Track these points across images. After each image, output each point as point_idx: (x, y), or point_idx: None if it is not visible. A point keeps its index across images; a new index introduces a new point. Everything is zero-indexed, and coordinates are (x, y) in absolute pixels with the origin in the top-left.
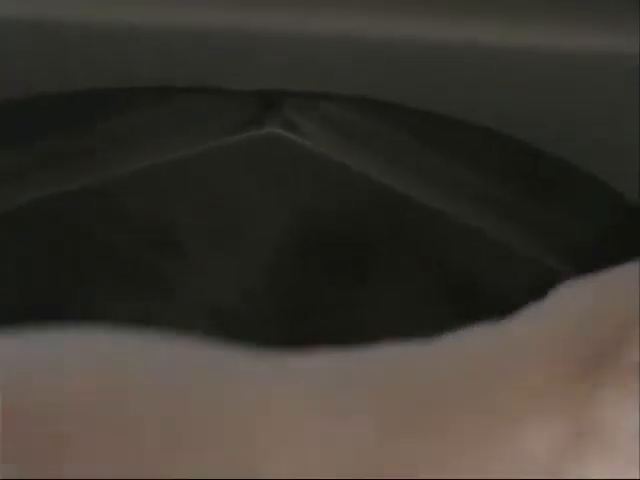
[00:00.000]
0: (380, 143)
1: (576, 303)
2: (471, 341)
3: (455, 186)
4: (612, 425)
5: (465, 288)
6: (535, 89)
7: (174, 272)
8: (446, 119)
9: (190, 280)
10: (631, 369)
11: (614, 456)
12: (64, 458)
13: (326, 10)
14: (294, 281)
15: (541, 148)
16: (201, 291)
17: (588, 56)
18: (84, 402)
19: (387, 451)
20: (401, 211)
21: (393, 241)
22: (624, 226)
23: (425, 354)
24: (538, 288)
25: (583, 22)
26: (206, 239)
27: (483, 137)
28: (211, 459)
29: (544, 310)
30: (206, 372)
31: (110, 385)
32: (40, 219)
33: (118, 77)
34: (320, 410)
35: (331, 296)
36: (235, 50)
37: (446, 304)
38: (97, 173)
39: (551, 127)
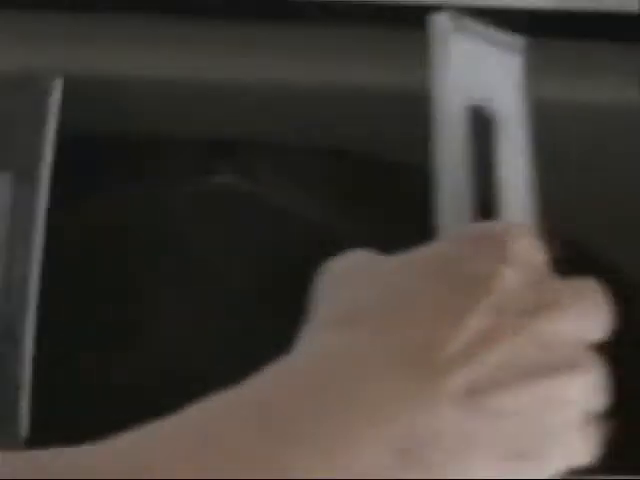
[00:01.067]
0: (334, 191)
1: None
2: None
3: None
4: None
5: None
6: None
7: (129, 318)
8: (402, 166)
9: (145, 324)
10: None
11: None
12: None
13: (279, 60)
14: (246, 322)
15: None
16: (155, 335)
17: (585, 105)
18: None
19: None
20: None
21: None
22: None
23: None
24: None
25: (583, 71)
26: (159, 284)
27: None
28: None
29: None
30: None
31: None
32: None
33: (69, 127)
34: None
35: (280, 337)
36: (188, 99)
37: None
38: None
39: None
